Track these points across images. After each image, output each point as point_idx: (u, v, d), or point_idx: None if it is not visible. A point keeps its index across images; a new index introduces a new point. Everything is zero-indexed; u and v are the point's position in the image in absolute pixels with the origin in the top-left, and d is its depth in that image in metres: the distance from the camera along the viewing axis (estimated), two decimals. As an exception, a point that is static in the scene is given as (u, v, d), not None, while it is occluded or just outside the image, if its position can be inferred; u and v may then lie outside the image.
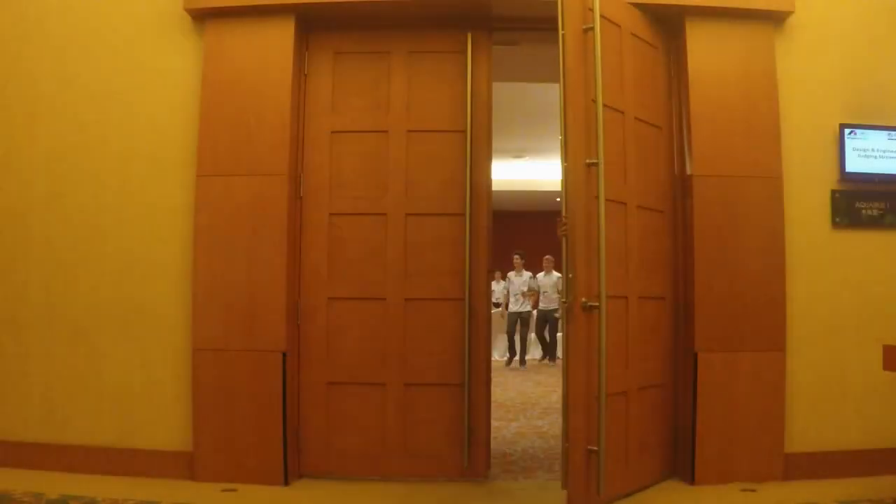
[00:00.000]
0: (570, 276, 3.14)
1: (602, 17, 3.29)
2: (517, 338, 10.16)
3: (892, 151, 3.89)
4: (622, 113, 3.54)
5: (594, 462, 3.13)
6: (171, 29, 3.93)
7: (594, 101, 3.22)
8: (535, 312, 10.28)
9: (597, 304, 3.12)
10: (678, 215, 3.88)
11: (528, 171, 12.34)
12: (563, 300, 3.21)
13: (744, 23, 3.82)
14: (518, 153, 11.31)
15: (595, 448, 3.11)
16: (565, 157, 3.24)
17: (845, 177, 3.86)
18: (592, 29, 3.24)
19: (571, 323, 3.12)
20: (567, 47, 3.17)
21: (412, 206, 3.89)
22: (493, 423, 4.04)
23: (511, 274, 10.38)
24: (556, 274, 9.75)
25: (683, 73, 3.83)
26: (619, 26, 3.56)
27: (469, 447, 3.74)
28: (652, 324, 3.72)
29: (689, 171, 3.82)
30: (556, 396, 7.21)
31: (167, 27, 3.93)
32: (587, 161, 3.17)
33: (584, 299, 3.10)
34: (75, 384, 3.86)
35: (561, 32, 3.21)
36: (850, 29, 3.92)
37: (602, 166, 3.17)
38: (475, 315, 3.80)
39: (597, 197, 3.17)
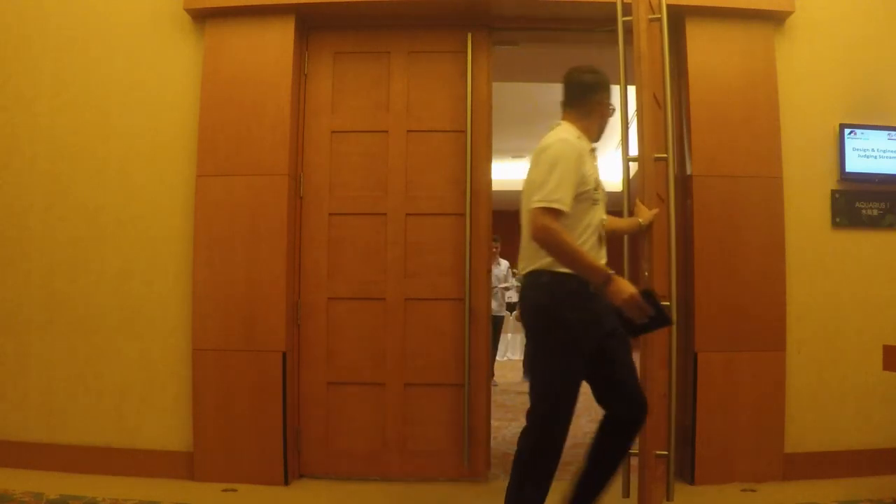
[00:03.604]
0: (646, 274, 3.01)
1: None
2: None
3: (892, 151, 3.89)
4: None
5: (661, 467, 3.03)
6: (171, 29, 3.93)
7: (654, 95, 3.09)
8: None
9: (668, 303, 2.97)
10: (678, 215, 3.86)
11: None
12: None
13: (744, 23, 3.82)
14: (518, 153, 11.32)
15: (664, 453, 3.00)
16: (626, 152, 3.12)
17: (845, 177, 3.86)
18: (659, 20, 3.11)
19: None
20: (639, 34, 2.98)
21: (412, 206, 3.89)
22: (493, 423, 4.04)
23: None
24: (504, 263, 8.49)
25: (683, 73, 3.83)
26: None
27: (469, 447, 3.74)
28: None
29: (689, 171, 3.82)
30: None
31: (167, 27, 3.93)
32: (655, 156, 3.03)
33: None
34: (75, 384, 3.86)
35: (621, 20, 3.09)
36: (849, 29, 3.92)
37: (672, 161, 3.08)
38: (475, 315, 3.79)
39: (659, 195, 3.04)
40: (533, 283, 2.58)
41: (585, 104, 2.70)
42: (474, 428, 3.76)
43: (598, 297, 2.52)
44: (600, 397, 2.68)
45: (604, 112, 2.76)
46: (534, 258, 2.56)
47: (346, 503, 3.51)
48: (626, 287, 2.42)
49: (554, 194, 2.42)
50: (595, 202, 2.59)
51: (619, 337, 2.63)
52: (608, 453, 2.68)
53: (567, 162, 2.47)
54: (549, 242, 2.43)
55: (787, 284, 3.76)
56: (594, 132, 2.73)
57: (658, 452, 2.96)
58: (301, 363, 3.86)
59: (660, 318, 2.50)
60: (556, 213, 2.41)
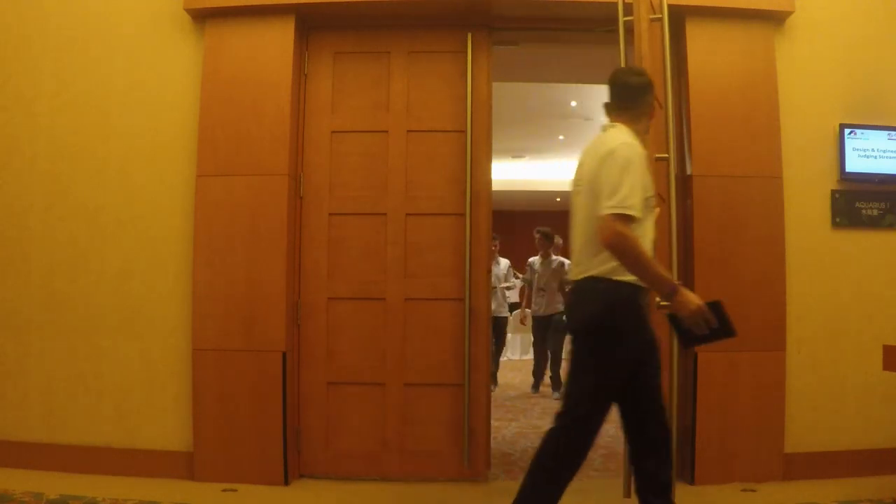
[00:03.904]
0: None
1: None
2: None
3: (892, 151, 3.89)
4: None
5: None
6: (171, 29, 3.93)
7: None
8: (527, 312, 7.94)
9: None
10: (678, 215, 3.86)
11: (527, 171, 12.36)
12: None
13: (744, 23, 3.82)
14: (518, 153, 11.33)
15: None
16: None
17: (845, 177, 3.86)
18: (660, 20, 3.10)
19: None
20: (640, 34, 2.98)
21: (412, 206, 3.89)
22: (493, 423, 4.03)
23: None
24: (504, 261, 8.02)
25: (683, 73, 3.82)
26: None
27: (469, 447, 3.74)
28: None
29: (689, 171, 3.82)
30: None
31: (167, 27, 3.93)
32: (656, 156, 3.00)
33: (657, 299, 2.82)
34: (75, 384, 3.86)
35: (622, 20, 3.10)
36: (849, 29, 3.92)
37: (672, 161, 3.08)
38: (475, 315, 3.79)
39: (659, 195, 2.98)
40: (588, 290, 2.52)
41: (637, 107, 2.64)
42: (474, 428, 3.76)
43: (644, 307, 2.51)
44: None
45: (651, 114, 2.71)
46: (591, 264, 2.50)
47: (346, 503, 3.51)
48: (692, 298, 2.40)
49: (627, 200, 2.35)
50: (651, 210, 2.56)
51: (657, 349, 2.62)
52: (657, 472, 2.59)
53: (636, 167, 2.42)
54: (623, 249, 2.35)
55: (787, 284, 3.76)
56: (642, 135, 2.66)
57: None
58: (301, 363, 3.86)
59: (724, 330, 2.45)
60: (629, 219, 2.35)
